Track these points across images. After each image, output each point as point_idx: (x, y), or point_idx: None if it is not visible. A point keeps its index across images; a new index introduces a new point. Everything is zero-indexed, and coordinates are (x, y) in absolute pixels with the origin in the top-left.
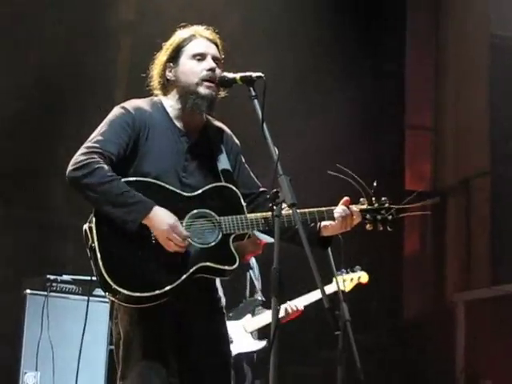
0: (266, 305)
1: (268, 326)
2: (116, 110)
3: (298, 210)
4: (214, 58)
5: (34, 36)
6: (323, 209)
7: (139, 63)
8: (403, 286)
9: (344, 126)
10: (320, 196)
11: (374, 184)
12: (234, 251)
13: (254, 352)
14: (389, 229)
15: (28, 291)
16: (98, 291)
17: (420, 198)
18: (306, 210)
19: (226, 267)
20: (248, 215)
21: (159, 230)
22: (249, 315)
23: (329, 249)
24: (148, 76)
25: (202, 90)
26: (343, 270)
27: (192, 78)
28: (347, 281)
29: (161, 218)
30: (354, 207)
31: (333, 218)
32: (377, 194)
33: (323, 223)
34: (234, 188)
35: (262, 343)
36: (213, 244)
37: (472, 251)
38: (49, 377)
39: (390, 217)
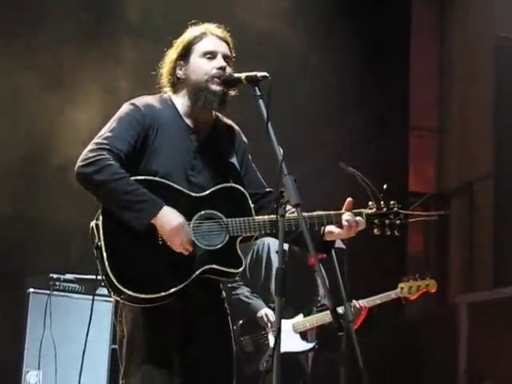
0: (324, 307)
1: (318, 327)
2: (125, 107)
3: (307, 214)
4: (225, 57)
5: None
6: (332, 213)
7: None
8: None
9: (349, 127)
10: (325, 196)
11: (384, 187)
12: (240, 254)
13: (300, 353)
14: (396, 233)
15: (31, 290)
16: (101, 290)
17: (428, 204)
18: (315, 214)
19: (232, 270)
20: (255, 217)
21: (165, 230)
22: (301, 315)
23: (333, 254)
24: (157, 73)
25: (213, 86)
26: (411, 276)
27: (202, 76)
28: (413, 287)
29: (168, 218)
30: (358, 217)
31: (340, 222)
32: (385, 195)
33: (327, 228)
34: (243, 189)
35: (309, 345)
36: (219, 246)
37: (475, 253)
38: (51, 375)
39: (398, 221)
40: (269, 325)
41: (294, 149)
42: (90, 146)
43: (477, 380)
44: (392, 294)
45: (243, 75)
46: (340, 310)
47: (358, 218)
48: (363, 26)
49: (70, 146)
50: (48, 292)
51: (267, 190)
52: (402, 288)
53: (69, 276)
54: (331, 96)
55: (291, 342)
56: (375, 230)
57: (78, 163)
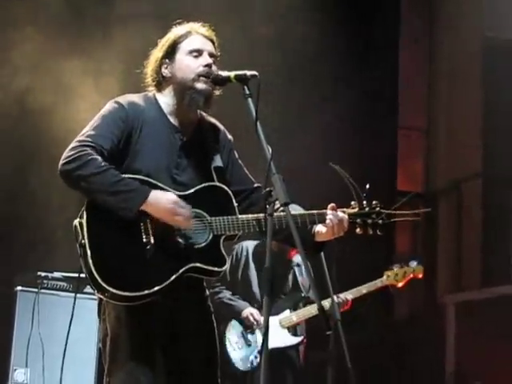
0: (310, 301)
1: (306, 321)
2: (109, 105)
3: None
4: (211, 55)
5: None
6: (314, 212)
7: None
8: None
9: (336, 125)
10: (312, 195)
11: (367, 187)
12: (223, 252)
13: (289, 347)
14: (379, 233)
15: (19, 288)
16: (88, 288)
17: (411, 202)
18: (297, 213)
19: (216, 268)
20: (239, 216)
21: (164, 210)
22: (287, 310)
23: (322, 254)
24: (142, 72)
25: (199, 85)
26: (396, 265)
27: (188, 74)
28: (399, 274)
29: (161, 199)
30: (340, 212)
31: (324, 222)
32: (369, 194)
33: (317, 228)
34: (226, 188)
35: (298, 339)
36: (203, 244)
37: (463, 253)
38: (39, 373)
39: (380, 221)
40: (255, 323)
41: (281, 149)
42: (73, 144)
43: (464, 380)
44: (378, 283)
45: (232, 74)
46: (326, 302)
47: (340, 214)
48: (351, 26)
49: (57, 144)
50: (36, 290)
51: (255, 185)
52: (388, 276)
53: (57, 274)
54: (320, 96)
55: (279, 337)
56: (357, 230)
57: (61, 161)
